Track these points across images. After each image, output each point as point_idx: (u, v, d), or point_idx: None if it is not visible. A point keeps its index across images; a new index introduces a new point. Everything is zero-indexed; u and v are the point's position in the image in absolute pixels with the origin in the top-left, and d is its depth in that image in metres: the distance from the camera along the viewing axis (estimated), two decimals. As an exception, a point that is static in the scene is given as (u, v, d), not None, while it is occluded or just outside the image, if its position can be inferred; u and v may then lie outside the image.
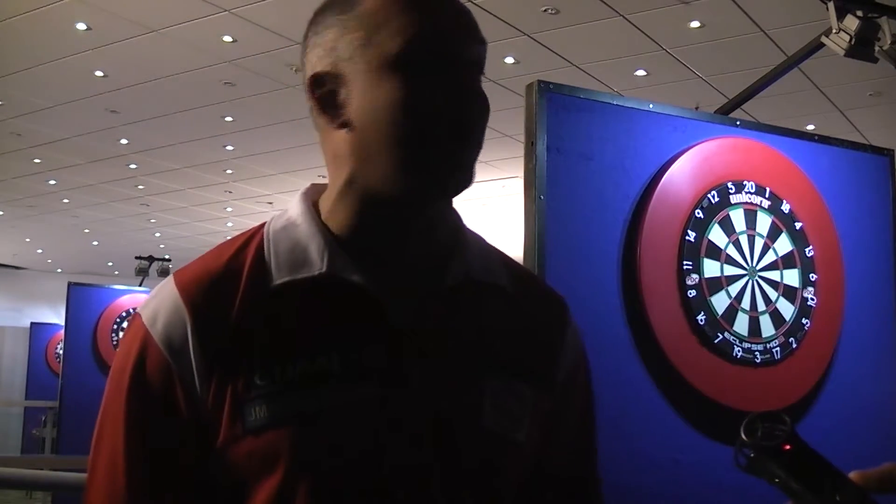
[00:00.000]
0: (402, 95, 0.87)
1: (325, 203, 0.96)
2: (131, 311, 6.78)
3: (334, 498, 0.87)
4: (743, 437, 0.73)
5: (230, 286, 0.91)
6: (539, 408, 0.97)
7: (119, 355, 0.92)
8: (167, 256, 10.15)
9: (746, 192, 2.19)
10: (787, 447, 0.72)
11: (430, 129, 0.88)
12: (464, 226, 1.00)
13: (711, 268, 2.10)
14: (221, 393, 0.87)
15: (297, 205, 0.97)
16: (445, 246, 0.96)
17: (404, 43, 0.88)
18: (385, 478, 0.88)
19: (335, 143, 0.93)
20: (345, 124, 0.91)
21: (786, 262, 2.23)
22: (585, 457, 1.08)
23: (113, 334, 6.91)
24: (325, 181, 0.99)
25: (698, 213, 2.10)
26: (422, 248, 0.95)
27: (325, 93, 0.92)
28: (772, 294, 2.19)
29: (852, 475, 0.72)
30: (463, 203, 0.94)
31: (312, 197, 0.98)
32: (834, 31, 2.59)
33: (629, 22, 5.64)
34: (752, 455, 0.73)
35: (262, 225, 0.97)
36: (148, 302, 0.93)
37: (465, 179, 0.91)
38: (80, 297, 7.10)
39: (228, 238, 0.99)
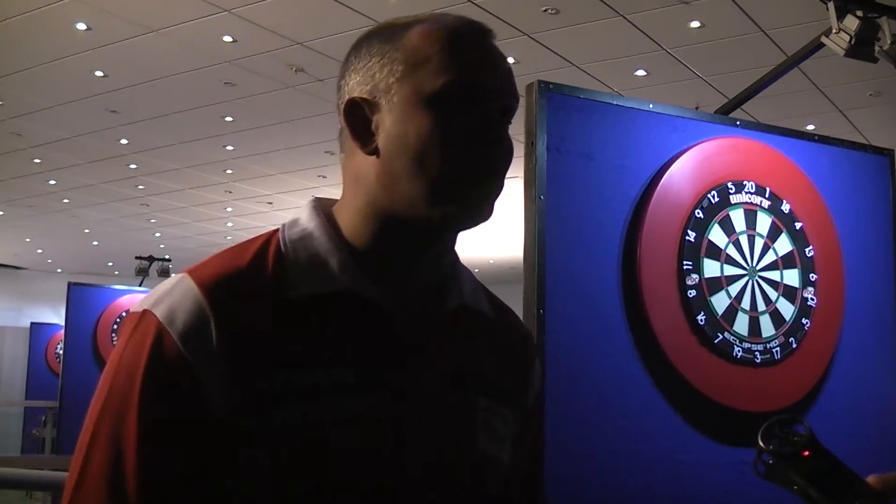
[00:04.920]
0: (433, 131, 0.92)
1: (344, 220, 0.99)
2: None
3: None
4: (760, 444, 0.71)
5: (253, 290, 0.92)
6: (513, 431, 1.03)
7: (127, 354, 0.90)
8: (167, 256, 10.13)
9: (746, 192, 2.19)
10: (806, 453, 0.70)
11: (455, 165, 0.92)
12: (457, 255, 1.05)
13: (711, 268, 2.10)
14: (239, 396, 0.87)
15: (312, 217, 1.00)
16: (446, 273, 1.02)
17: (443, 84, 0.92)
18: (386, 488, 0.91)
19: (360, 167, 0.97)
20: (374, 151, 0.95)
21: (786, 262, 2.23)
22: (535, 482, 1.13)
23: (113, 334, 6.91)
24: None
25: (698, 213, 2.10)
26: (429, 273, 1.00)
27: (359, 118, 0.96)
28: (772, 294, 2.19)
29: (870, 479, 0.70)
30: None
31: (324, 210, 1.01)
32: (834, 31, 2.59)
33: (629, 22, 5.64)
34: (770, 462, 0.71)
35: (275, 231, 0.99)
36: (160, 300, 0.91)
37: (483, 214, 0.95)
38: (80, 297, 7.10)
39: (242, 240, 1.01)
